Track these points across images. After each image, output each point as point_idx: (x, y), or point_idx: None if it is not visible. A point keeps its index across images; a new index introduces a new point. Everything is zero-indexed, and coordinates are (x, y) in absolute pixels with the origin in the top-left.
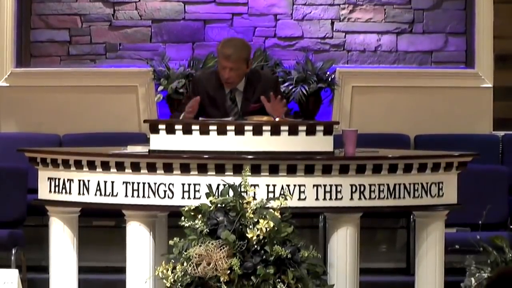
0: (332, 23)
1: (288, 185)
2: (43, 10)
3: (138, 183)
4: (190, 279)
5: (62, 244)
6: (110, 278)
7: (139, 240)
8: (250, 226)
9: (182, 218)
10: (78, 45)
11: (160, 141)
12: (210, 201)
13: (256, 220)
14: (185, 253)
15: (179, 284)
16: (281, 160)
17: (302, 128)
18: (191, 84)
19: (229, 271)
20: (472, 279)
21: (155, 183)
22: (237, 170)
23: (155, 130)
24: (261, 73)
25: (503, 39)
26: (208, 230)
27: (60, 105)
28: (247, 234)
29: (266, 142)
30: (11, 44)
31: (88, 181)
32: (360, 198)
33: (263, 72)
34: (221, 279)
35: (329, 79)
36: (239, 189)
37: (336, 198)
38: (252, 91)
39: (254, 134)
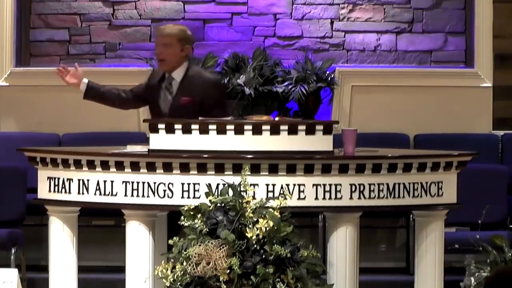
0: (332, 23)
1: (287, 185)
2: (43, 9)
3: (138, 183)
4: (190, 279)
5: (62, 243)
6: (109, 277)
7: (138, 239)
8: (250, 226)
9: (182, 217)
10: (78, 45)
11: (160, 140)
12: (210, 201)
13: (255, 219)
14: (184, 252)
15: (178, 283)
16: (280, 159)
17: (302, 127)
18: None
19: (228, 271)
20: (472, 278)
21: (154, 183)
22: (237, 169)
23: (154, 129)
24: (205, 75)
25: (503, 39)
26: (207, 230)
27: (59, 104)
28: (246, 234)
29: (266, 142)
30: (10, 44)
31: (88, 180)
32: (359, 198)
33: (208, 74)
34: (221, 278)
35: (329, 79)
36: (238, 189)
37: (335, 198)
38: (189, 87)
39: (253, 133)
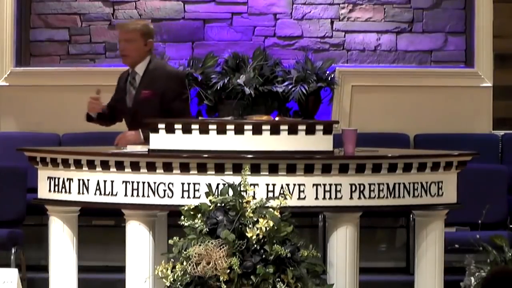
0: (332, 23)
1: (287, 185)
2: (43, 9)
3: (138, 183)
4: (190, 279)
5: (62, 243)
6: (109, 277)
7: (138, 239)
8: (250, 226)
9: (182, 217)
10: (78, 45)
11: (160, 140)
12: (210, 201)
13: (255, 219)
14: (184, 252)
15: (178, 283)
16: (280, 159)
17: (302, 127)
18: None
19: (228, 271)
20: (472, 278)
21: (154, 183)
22: (237, 169)
23: (154, 129)
24: (167, 68)
25: (503, 39)
26: (207, 230)
27: (59, 104)
28: (246, 234)
29: (266, 142)
30: (10, 44)
31: (88, 180)
32: (359, 198)
33: (170, 67)
34: (221, 278)
35: (329, 79)
36: (238, 189)
37: (335, 198)
38: (151, 80)
39: (253, 133)
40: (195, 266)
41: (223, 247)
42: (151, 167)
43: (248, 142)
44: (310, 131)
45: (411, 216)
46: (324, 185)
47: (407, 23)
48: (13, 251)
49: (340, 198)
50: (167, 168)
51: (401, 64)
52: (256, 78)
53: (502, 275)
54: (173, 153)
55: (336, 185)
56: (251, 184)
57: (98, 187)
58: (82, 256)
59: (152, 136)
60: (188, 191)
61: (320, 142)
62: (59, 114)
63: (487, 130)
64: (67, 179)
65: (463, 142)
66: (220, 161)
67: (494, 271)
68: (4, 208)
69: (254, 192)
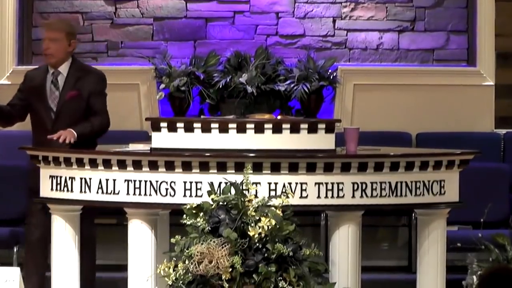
0: (334, 21)
1: (289, 183)
2: (45, 8)
3: (140, 181)
4: (192, 277)
5: (64, 242)
6: (111, 276)
7: (140, 238)
8: (252, 224)
9: (184, 216)
10: (80, 43)
11: (162, 139)
12: (212, 199)
13: (257, 218)
14: (186, 251)
15: (180, 282)
16: (282, 158)
17: (304, 126)
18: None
19: (230, 269)
20: (474, 277)
21: (156, 181)
22: (239, 168)
23: (156, 128)
24: (90, 68)
25: (505, 37)
26: (209, 228)
27: None
28: (248, 232)
29: (268, 140)
30: (12, 42)
31: (90, 179)
32: (361, 196)
33: (93, 68)
34: (223, 277)
35: (331, 77)
36: (240, 187)
37: (337, 196)
38: (76, 80)
39: (256, 132)
40: (197, 265)
41: (225, 246)
42: (153, 166)
43: (250, 140)
44: (312, 129)
45: (413, 214)
46: (326, 183)
47: (409, 21)
48: (15, 250)
49: (342, 196)
50: (169, 166)
51: (403, 63)
52: (258, 77)
53: (499, 273)
54: (175, 152)
55: (338, 183)
56: (253, 183)
57: (100, 186)
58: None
59: (154, 134)
60: (190, 189)
61: (322, 140)
62: None
63: (489, 128)
64: (69, 177)
65: (465, 140)
66: (222, 160)
67: (491, 269)
68: (6, 207)
69: (256, 190)
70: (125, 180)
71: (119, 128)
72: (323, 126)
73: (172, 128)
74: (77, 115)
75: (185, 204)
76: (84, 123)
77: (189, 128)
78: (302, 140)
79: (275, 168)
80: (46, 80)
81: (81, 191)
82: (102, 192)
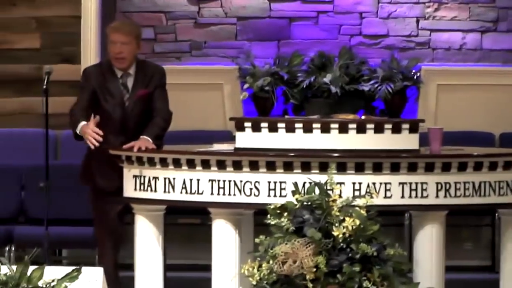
0: (417, 21)
1: (374, 183)
2: (128, 7)
3: (224, 181)
4: (276, 277)
5: (148, 242)
6: (195, 276)
7: (224, 238)
8: (336, 224)
9: (268, 216)
10: (163, 43)
11: (246, 139)
12: (296, 199)
13: (342, 218)
14: (271, 251)
15: (265, 282)
16: (366, 158)
17: (388, 126)
18: (82, 76)
19: (315, 269)
20: None
21: (241, 181)
22: (323, 168)
23: (241, 128)
24: (152, 64)
25: None
26: (294, 228)
27: None
28: (333, 232)
29: (352, 140)
30: (95, 42)
31: (174, 179)
32: (445, 196)
33: (153, 63)
34: (307, 277)
35: (415, 77)
36: (325, 187)
37: (421, 196)
38: (143, 77)
39: (340, 132)
40: (281, 265)
41: (309, 246)
42: (237, 166)
43: (334, 140)
44: (396, 129)
45: (496, 214)
46: (410, 183)
47: (492, 22)
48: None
49: (426, 196)
50: (253, 166)
51: (486, 63)
52: (342, 77)
53: None
54: (260, 152)
55: (422, 183)
56: (337, 183)
57: (184, 186)
58: (168, 254)
59: (238, 134)
60: (275, 189)
61: (406, 140)
62: None
63: None
64: (153, 177)
65: None
66: (306, 160)
67: None
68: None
69: (340, 190)
70: (209, 180)
71: (203, 128)
72: (407, 126)
73: (256, 128)
74: (146, 113)
75: (269, 204)
76: (151, 127)
77: (273, 128)
78: (386, 140)
79: (359, 168)
80: (115, 81)
81: (164, 191)
82: (186, 192)
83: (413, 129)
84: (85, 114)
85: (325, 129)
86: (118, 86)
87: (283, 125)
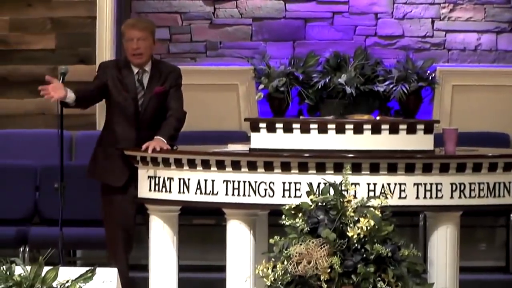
0: (433, 22)
1: (388, 184)
2: (143, 8)
3: (239, 182)
4: (291, 278)
5: (162, 242)
6: (210, 276)
7: (239, 238)
8: (351, 225)
9: (283, 216)
10: (178, 43)
11: (261, 139)
12: (311, 200)
13: (356, 218)
14: (285, 251)
15: (279, 282)
16: (381, 158)
17: (403, 126)
18: (98, 69)
19: (329, 270)
20: None
21: (255, 182)
22: (338, 168)
23: (255, 128)
24: (168, 64)
25: None
26: (308, 229)
27: None
28: (347, 233)
29: (367, 141)
30: (110, 43)
31: (189, 179)
32: (460, 197)
33: (169, 63)
34: (322, 277)
35: (430, 78)
36: (339, 188)
37: (436, 197)
38: (159, 75)
39: (354, 132)
40: (296, 266)
41: (324, 246)
42: (252, 166)
43: (349, 141)
44: (411, 130)
45: (511, 215)
46: (425, 184)
47: (507, 23)
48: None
49: (441, 197)
50: (268, 167)
51: (501, 64)
52: (357, 78)
53: None
54: (274, 152)
55: (436, 184)
56: (352, 183)
57: (198, 186)
58: (182, 255)
59: (253, 135)
60: (289, 190)
61: (421, 141)
62: None
63: None
64: (168, 178)
65: None
66: (321, 161)
67: None
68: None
69: (355, 191)
70: (224, 181)
71: (217, 129)
72: (422, 126)
73: (271, 129)
74: (160, 111)
75: (284, 205)
76: (166, 127)
77: (288, 129)
78: (401, 141)
79: (374, 169)
80: (131, 77)
81: (179, 191)
82: (201, 193)
83: (428, 130)
84: (81, 91)
85: (340, 129)
86: (134, 82)
87: (298, 125)
